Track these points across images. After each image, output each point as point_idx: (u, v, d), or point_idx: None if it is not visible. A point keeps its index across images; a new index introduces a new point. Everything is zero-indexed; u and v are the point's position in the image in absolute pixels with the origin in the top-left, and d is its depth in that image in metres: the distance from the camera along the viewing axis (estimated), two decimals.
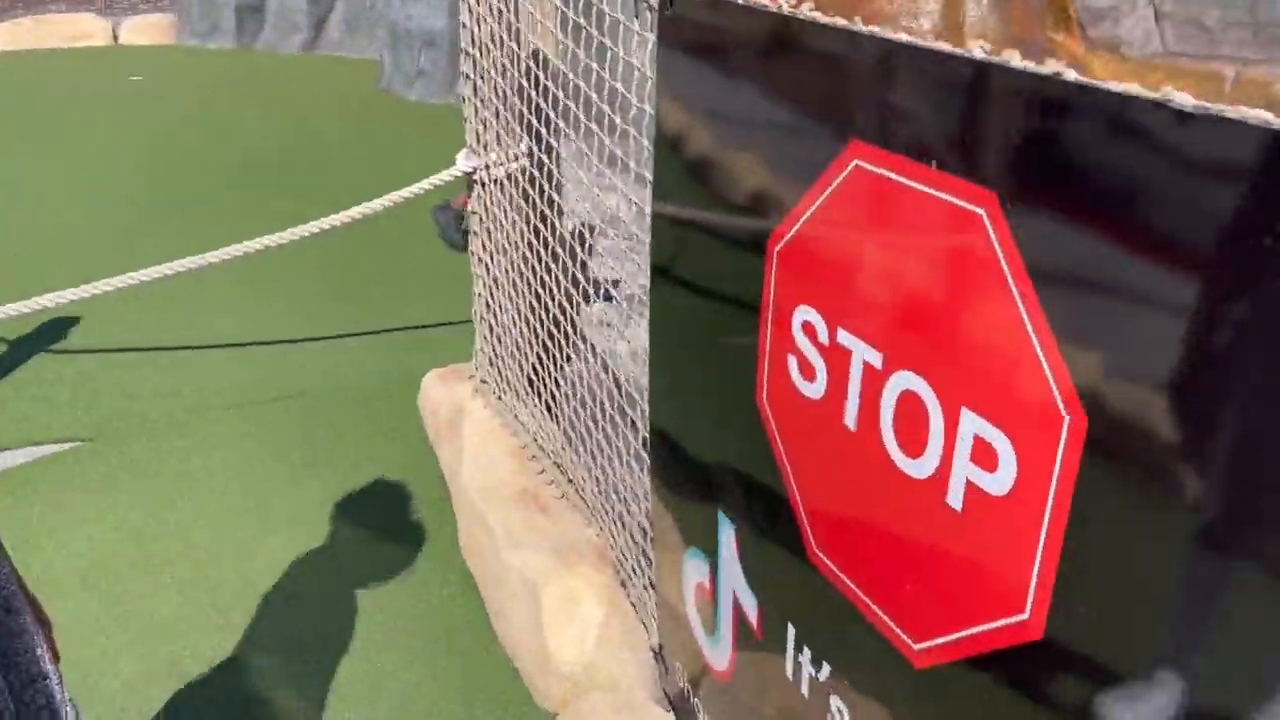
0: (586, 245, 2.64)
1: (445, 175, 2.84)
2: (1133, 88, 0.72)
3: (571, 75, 2.25)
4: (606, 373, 2.50)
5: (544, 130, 2.58)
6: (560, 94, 2.43)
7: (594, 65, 2.09)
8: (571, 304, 2.60)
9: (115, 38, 10.45)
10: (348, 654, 2.50)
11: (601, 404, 2.39)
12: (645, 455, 2.23)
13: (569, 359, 2.66)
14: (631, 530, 2.09)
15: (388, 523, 3.02)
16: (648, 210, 1.63)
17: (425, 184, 2.96)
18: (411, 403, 3.61)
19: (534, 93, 2.52)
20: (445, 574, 2.77)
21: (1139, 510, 0.78)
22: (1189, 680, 0.76)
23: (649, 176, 1.61)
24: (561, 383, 2.65)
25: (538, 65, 2.47)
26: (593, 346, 2.73)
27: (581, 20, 2.07)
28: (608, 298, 2.83)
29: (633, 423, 2.36)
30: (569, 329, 2.59)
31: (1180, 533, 0.74)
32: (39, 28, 10.01)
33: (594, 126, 2.08)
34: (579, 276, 2.59)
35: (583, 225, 2.65)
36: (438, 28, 8.25)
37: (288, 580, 2.75)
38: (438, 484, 3.16)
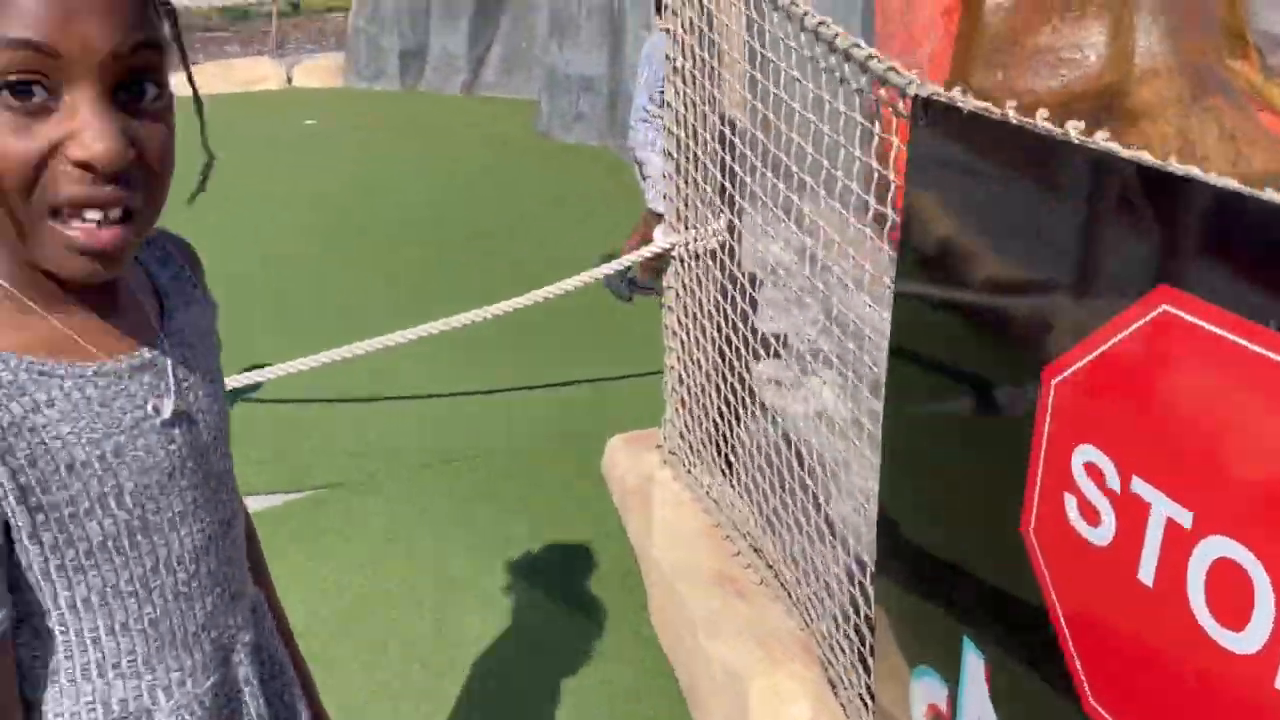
0: (748, 296, 2.60)
1: (646, 252, 2.87)
2: None
3: (755, 132, 2.23)
4: (788, 446, 2.45)
5: (738, 198, 2.58)
6: (750, 155, 2.42)
7: (778, 123, 2.08)
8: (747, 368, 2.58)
9: (289, 80, 11.11)
10: None
11: (782, 476, 2.34)
12: (835, 534, 2.17)
13: (750, 423, 2.63)
14: (845, 629, 2.02)
15: (578, 593, 3.04)
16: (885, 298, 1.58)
17: (626, 260, 2.99)
18: (590, 465, 3.64)
19: (729, 158, 2.52)
20: (638, 652, 2.76)
21: None
22: None
23: (821, 226, 1.57)
24: (752, 457, 2.61)
25: (733, 132, 2.47)
26: (764, 407, 2.69)
27: (774, 88, 2.05)
28: (776, 354, 2.79)
29: (815, 497, 2.30)
30: (747, 396, 2.56)
31: None
32: (221, 72, 10.67)
33: (770, 176, 2.05)
34: (747, 333, 2.56)
35: (747, 278, 2.63)
36: (596, 73, 8.43)
37: (482, 653, 2.79)
38: (626, 553, 3.17)
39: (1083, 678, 1.17)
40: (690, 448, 2.98)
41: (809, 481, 2.32)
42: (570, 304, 5.26)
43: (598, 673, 2.70)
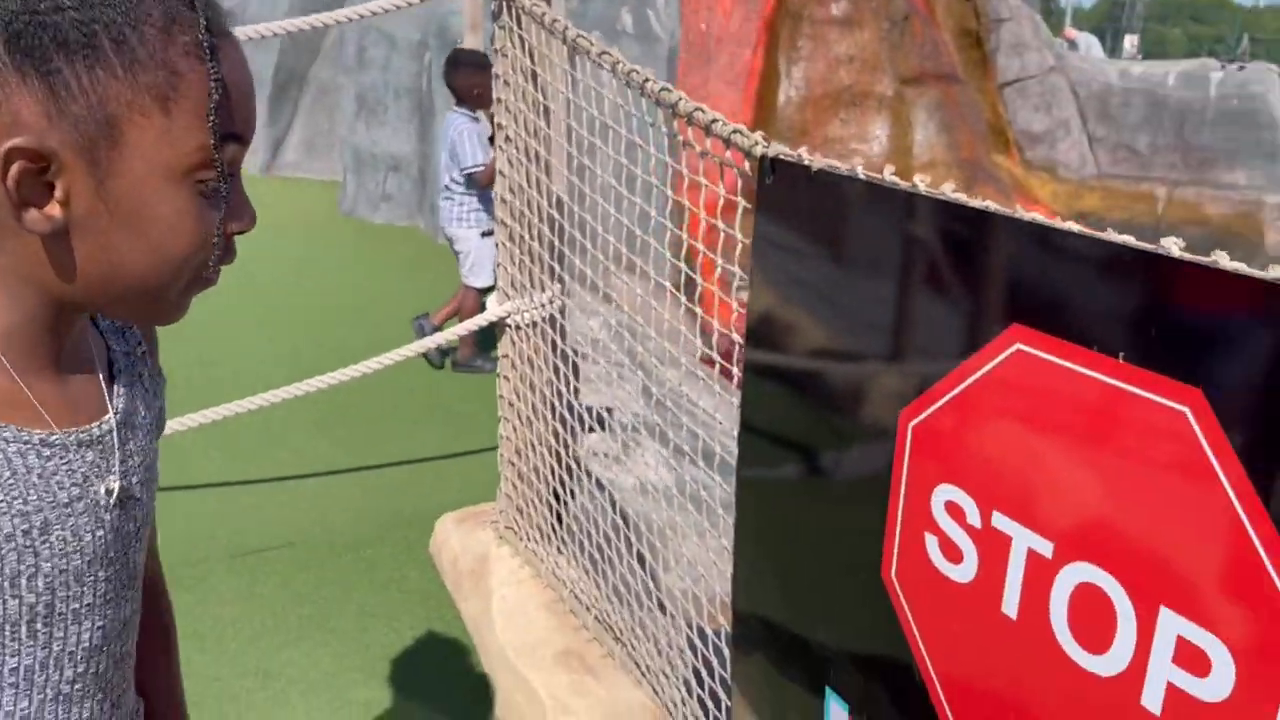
0: (577, 372, 2.63)
1: (480, 320, 2.83)
2: None
3: (580, 210, 2.27)
4: (623, 517, 2.45)
5: (563, 273, 2.60)
6: (574, 232, 2.45)
7: (599, 199, 2.12)
8: (575, 439, 2.57)
9: None
10: None
11: (619, 550, 2.33)
12: (675, 604, 2.17)
13: (587, 496, 2.61)
14: (699, 693, 2.00)
15: (412, 688, 2.89)
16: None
17: (461, 329, 2.93)
18: (418, 549, 3.51)
19: (555, 239, 2.54)
20: None
21: None
22: None
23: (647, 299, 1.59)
24: (590, 534, 2.58)
25: (558, 210, 2.50)
26: (598, 482, 2.69)
27: (586, 161, 2.09)
28: (602, 426, 2.80)
29: (650, 568, 2.30)
30: (583, 472, 2.55)
31: None
32: None
33: (599, 255, 2.08)
34: (575, 405, 2.57)
35: (573, 352, 2.65)
36: (404, 152, 8.39)
37: None
38: (463, 639, 3.05)
39: (948, 714, 1.19)
40: (529, 522, 2.92)
41: (645, 554, 2.31)
42: (388, 383, 5.12)
43: None
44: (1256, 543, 0.80)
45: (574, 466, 2.70)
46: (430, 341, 3.31)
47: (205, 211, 0.82)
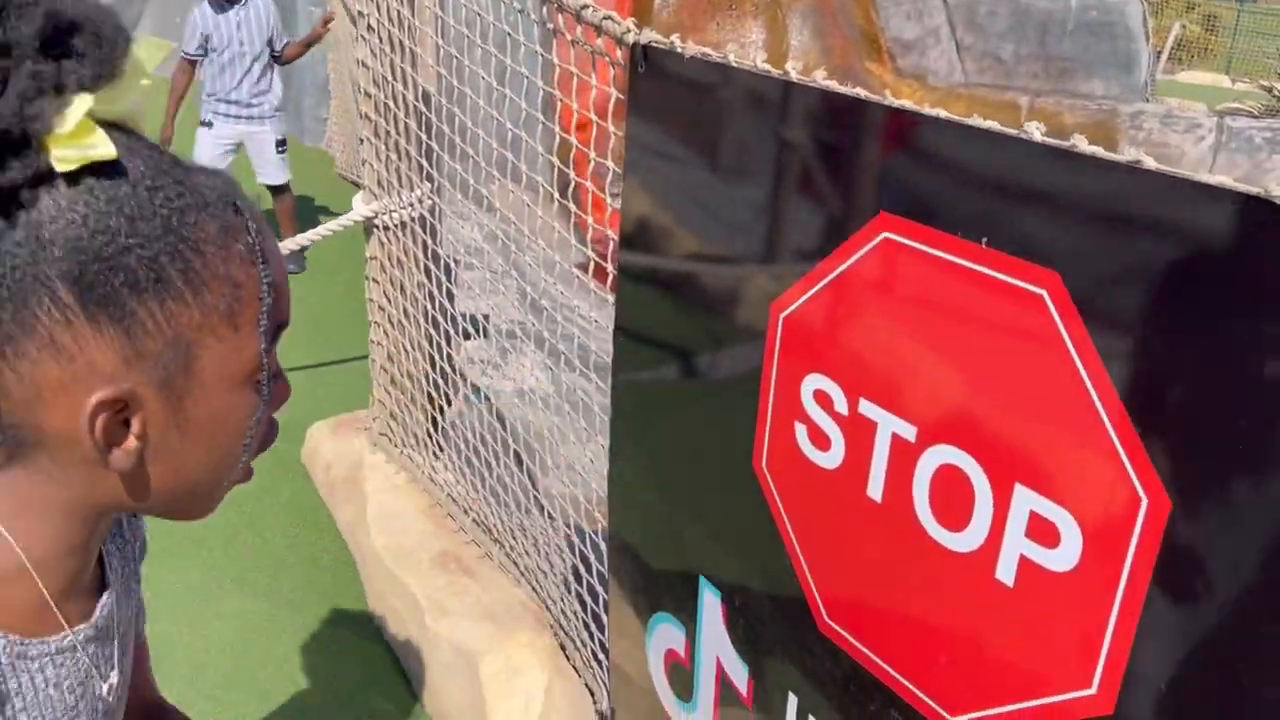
0: (450, 274, 2.58)
1: (345, 220, 2.72)
2: (1219, 179, 0.73)
3: (450, 106, 2.20)
4: (501, 421, 2.44)
5: (435, 171, 2.52)
6: (446, 129, 2.37)
7: (470, 94, 2.05)
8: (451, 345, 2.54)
9: None
10: None
11: (496, 454, 2.32)
12: (555, 506, 2.19)
13: (464, 402, 2.59)
14: (577, 589, 2.02)
15: (289, 593, 2.85)
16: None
17: (325, 229, 2.82)
18: (285, 459, 3.43)
19: (423, 134, 2.46)
20: (361, 646, 2.63)
21: (1226, 587, 0.79)
22: None
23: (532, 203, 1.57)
24: (467, 438, 2.56)
25: (426, 105, 2.41)
26: (475, 387, 2.66)
27: (456, 53, 2.02)
28: (479, 333, 2.77)
29: (528, 470, 2.31)
30: (458, 376, 2.52)
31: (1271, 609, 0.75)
32: None
33: (473, 154, 2.03)
34: (452, 316, 2.53)
35: (449, 258, 2.60)
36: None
37: (193, 668, 2.54)
38: (339, 546, 3.01)
39: (817, 599, 1.23)
40: (404, 428, 2.87)
41: (523, 456, 2.31)
42: None
43: (320, 672, 2.54)
44: (1105, 421, 0.83)
45: (449, 371, 2.66)
46: (292, 242, 3.16)
47: (258, 405, 0.82)
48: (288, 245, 3.21)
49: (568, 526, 2.14)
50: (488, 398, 2.60)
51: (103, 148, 0.68)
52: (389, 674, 2.51)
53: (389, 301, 2.73)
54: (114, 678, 0.88)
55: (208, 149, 4.73)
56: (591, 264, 1.90)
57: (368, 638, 2.63)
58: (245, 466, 0.85)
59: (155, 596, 2.78)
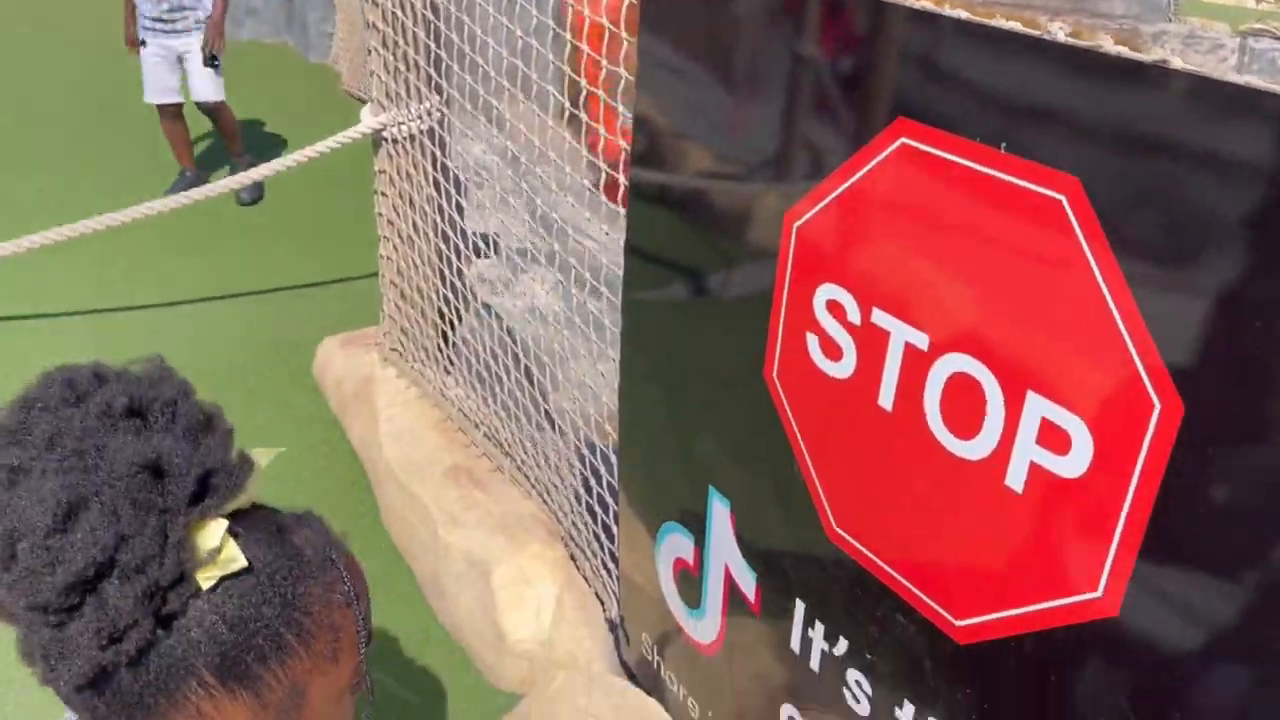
0: (460, 187, 2.56)
1: (353, 133, 2.69)
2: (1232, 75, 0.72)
3: (459, 14, 2.16)
4: (511, 337, 2.44)
5: (445, 83, 2.48)
6: (455, 38, 2.33)
7: (480, 1, 2.01)
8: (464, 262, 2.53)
9: None
10: None
11: (507, 368, 2.33)
12: (566, 422, 2.20)
13: (475, 318, 2.59)
14: (588, 500, 2.05)
15: (299, 502, 2.88)
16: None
17: (331, 142, 2.79)
18: (301, 373, 3.44)
19: (432, 44, 2.41)
20: (372, 556, 2.68)
21: (1235, 493, 0.79)
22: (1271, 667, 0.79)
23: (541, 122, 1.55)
24: (477, 353, 2.57)
25: (435, 13, 2.36)
26: (485, 306, 2.66)
27: None
28: (490, 251, 2.76)
29: (539, 385, 2.32)
30: (468, 292, 2.52)
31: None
32: None
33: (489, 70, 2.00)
34: (463, 231, 2.52)
35: (458, 172, 2.58)
36: None
37: None
38: (350, 460, 3.04)
39: (825, 507, 1.25)
40: (414, 342, 2.88)
41: (534, 370, 2.32)
42: (265, 207, 4.90)
43: None
44: (1121, 326, 0.83)
45: (459, 286, 2.66)
46: (299, 156, 3.13)
47: (355, 701, 0.94)
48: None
49: (578, 440, 2.16)
50: (498, 315, 2.60)
51: (237, 562, 0.81)
52: (401, 585, 2.55)
53: (398, 216, 2.71)
54: None
55: (150, 68, 4.65)
56: (604, 176, 1.88)
57: (380, 550, 2.68)
58: None
59: None
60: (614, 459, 1.85)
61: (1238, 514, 0.79)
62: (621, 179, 1.70)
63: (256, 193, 4.87)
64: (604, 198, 2.03)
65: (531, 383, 2.36)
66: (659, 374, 1.60)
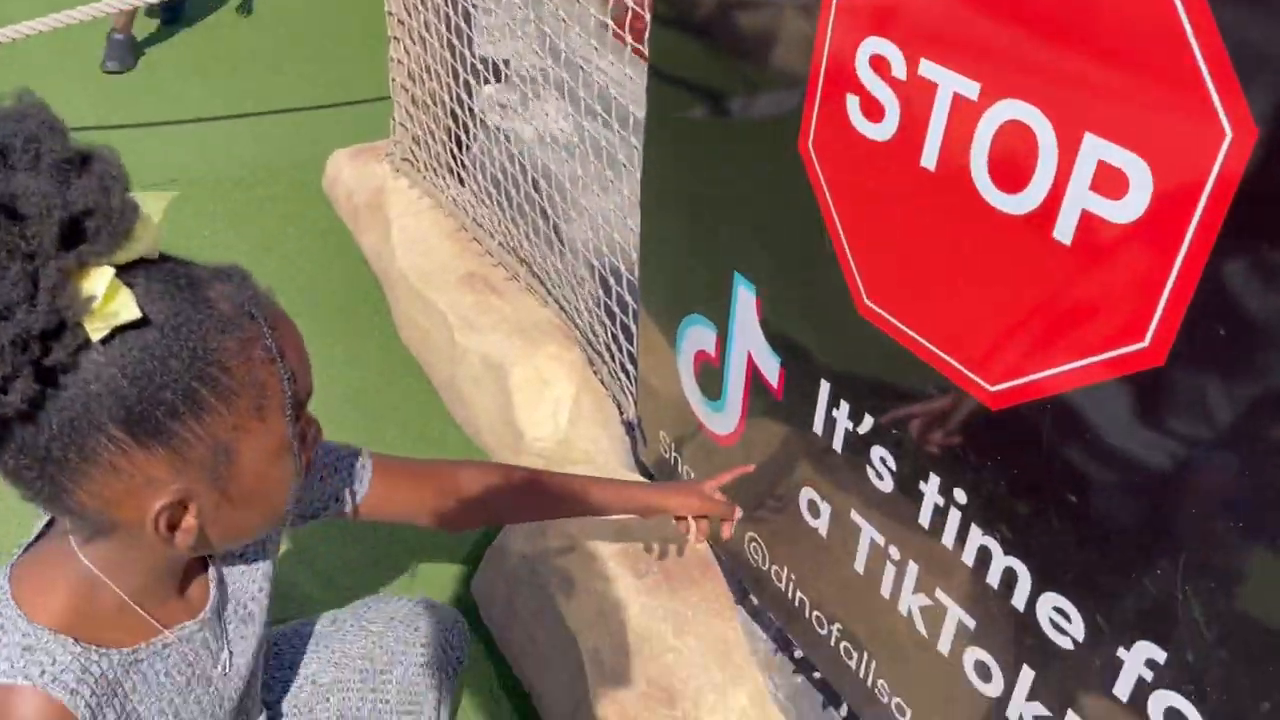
0: (472, 22, 2.46)
1: None
2: None
3: None
4: (512, 161, 2.37)
5: None
6: None
7: None
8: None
9: None
10: None
11: (517, 182, 2.27)
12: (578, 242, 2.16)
13: (474, 140, 2.51)
14: (607, 302, 2.02)
15: (313, 311, 2.87)
16: None
17: None
18: (308, 189, 3.38)
19: None
20: (386, 360, 2.69)
21: None
22: None
23: None
24: (489, 164, 2.50)
25: None
26: (497, 129, 2.58)
27: None
28: (499, 78, 2.66)
29: (543, 210, 2.27)
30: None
31: None
32: None
33: None
34: (469, 56, 2.42)
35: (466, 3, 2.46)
36: None
37: None
38: (363, 269, 3.02)
39: (858, 281, 1.22)
40: (427, 151, 2.81)
41: (547, 189, 2.26)
42: (262, 27, 4.71)
43: (345, 380, 2.60)
44: (1197, 53, 0.77)
45: (465, 98, 2.57)
46: None
47: (292, 465, 0.96)
48: None
49: (589, 254, 2.12)
50: (508, 138, 2.52)
51: (126, 312, 0.77)
52: (413, 381, 2.57)
53: (409, 14, 2.60)
54: (223, 658, 1.11)
55: None
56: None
57: (394, 356, 2.68)
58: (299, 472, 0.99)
59: None
60: (634, 254, 1.81)
61: None
62: None
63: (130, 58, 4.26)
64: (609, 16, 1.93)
65: (548, 204, 2.30)
66: (683, 154, 1.55)
